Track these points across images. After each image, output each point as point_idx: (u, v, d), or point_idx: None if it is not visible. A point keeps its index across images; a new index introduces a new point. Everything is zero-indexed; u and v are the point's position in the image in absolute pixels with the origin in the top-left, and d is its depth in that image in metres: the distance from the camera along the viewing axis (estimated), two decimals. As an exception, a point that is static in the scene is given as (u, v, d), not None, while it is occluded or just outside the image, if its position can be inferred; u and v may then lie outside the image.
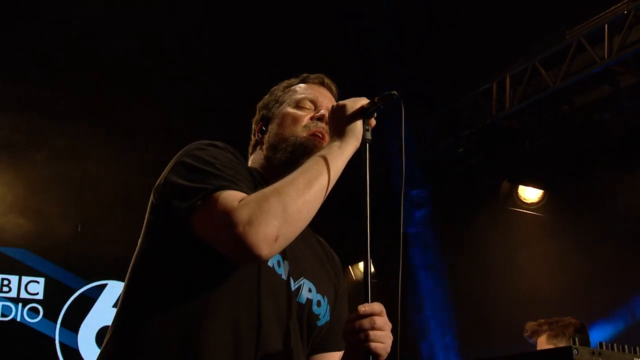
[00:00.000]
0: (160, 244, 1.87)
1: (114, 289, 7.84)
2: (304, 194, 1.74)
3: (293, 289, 1.92)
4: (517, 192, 7.42)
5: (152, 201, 1.91)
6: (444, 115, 7.43)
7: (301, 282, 1.95)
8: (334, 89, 2.18)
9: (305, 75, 2.18)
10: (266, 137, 2.08)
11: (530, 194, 7.42)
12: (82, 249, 7.57)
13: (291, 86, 2.16)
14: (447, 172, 7.59)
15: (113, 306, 7.82)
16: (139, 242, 1.95)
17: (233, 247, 1.69)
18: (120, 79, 6.73)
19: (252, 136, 2.18)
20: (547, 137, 6.66)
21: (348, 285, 2.26)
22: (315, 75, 2.18)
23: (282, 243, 1.72)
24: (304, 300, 1.94)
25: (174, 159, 1.92)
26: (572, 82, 6.09)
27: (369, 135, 1.92)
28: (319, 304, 1.99)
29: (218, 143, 1.93)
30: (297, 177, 1.77)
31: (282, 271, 1.91)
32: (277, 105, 2.12)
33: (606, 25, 5.79)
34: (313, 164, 1.82)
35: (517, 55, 6.76)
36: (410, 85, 6.86)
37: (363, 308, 1.74)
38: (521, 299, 6.86)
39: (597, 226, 6.58)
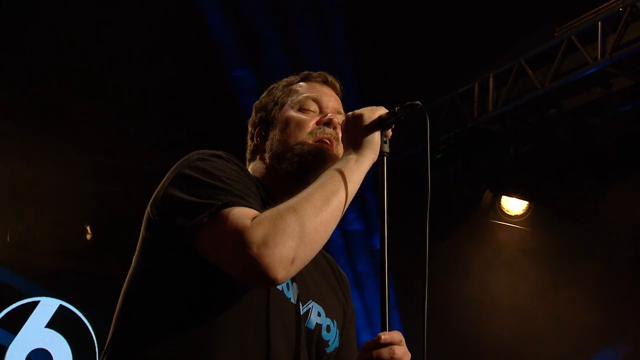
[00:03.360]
0: (160, 263, 1.84)
1: (47, 307, 7.60)
2: (322, 212, 1.73)
3: (302, 313, 1.93)
4: (500, 204, 7.43)
5: (148, 216, 1.88)
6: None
7: (310, 306, 1.96)
8: (338, 86, 2.19)
9: (306, 73, 2.19)
10: (267, 144, 2.08)
11: (514, 206, 7.44)
12: (11, 262, 7.32)
13: (291, 85, 2.16)
14: (422, 181, 7.54)
15: (46, 326, 7.58)
16: (133, 261, 1.92)
17: (245, 269, 1.67)
18: (59, 72, 6.58)
19: (250, 140, 2.17)
20: (533, 144, 6.67)
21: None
22: (317, 73, 2.18)
23: (299, 265, 1.71)
24: (312, 326, 1.96)
25: (172, 170, 1.89)
26: (562, 84, 6.09)
27: (386, 148, 1.94)
28: (328, 329, 2.01)
29: (221, 153, 1.92)
30: (313, 193, 1.76)
31: (291, 294, 1.90)
32: (277, 107, 2.12)
33: (599, 23, 5.80)
34: (329, 179, 1.81)
35: (502, 53, 6.76)
36: (381, 83, 6.81)
37: (383, 336, 1.77)
38: (504, 319, 6.84)
39: (587, 241, 6.61)
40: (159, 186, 1.89)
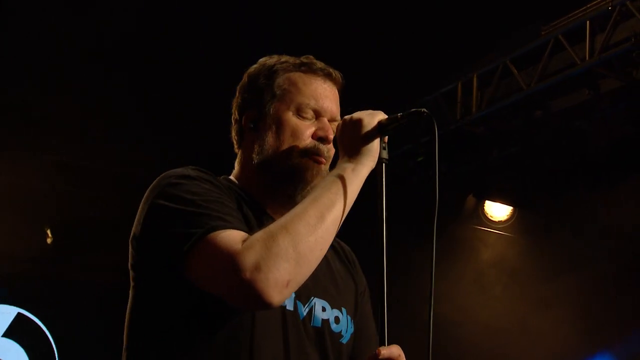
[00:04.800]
0: (153, 301, 1.89)
1: (4, 315, 7.51)
2: (316, 230, 1.73)
3: (305, 314, 1.95)
4: (483, 209, 7.44)
5: (132, 255, 1.92)
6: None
7: (312, 303, 1.97)
8: (340, 80, 2.15)
9: (308, 61, 2.12)
10: (257, 144, 2.05)
11: (497, 211, 7.45)
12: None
13: (291, 71, 2.10)
14: (403, 184, 7.54)
15: (3, 335, 7.49)
16: (129, 300, 1.96)
17: (239, 295, 1.70)
18: (20, 69, 6.52)
19: (237, 114, 2.12)
20: (518, 146, 6.67)
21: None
22: (321, 65, 2.12)
23: (294, 287, 1.73)
24: (319, 323, 1.97)
25: (143, 201, 1.90)
26: (549, 85, 6.10)
27: (385, 154, 1.92)
28: (337, 320, 2.02)
29: (190, 172, 1.91)
30: (306, 209, 1.76)
31: (287, 301, 1.91)
32: (274, 100, 2.06)
33: (588, 22, 5.81)
34: (324, 192, 1.81)
35: (486, 52, 6.77)
36: (359, 83, 6.79)
37: (383, 351, 1.78)
38: (487, 332, 6.83)
39: (574, 249, 6.63)
40: (135, 221, 1.90)
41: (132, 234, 1.92)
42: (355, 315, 2.11)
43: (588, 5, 5.95)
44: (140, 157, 7.20)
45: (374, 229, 1.89)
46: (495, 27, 6.65)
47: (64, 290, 7.38)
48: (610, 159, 6.26)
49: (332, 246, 2.13)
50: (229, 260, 1.68)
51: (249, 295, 1.67)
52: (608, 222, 6.45)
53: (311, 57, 2.15)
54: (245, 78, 2.15)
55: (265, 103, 2.07)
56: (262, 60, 2.17)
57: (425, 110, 1.87)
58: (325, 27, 6.86)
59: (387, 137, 1.94)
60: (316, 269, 1.96)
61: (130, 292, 1.97)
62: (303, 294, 1.94)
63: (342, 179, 1.84)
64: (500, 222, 7.43)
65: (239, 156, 2.12)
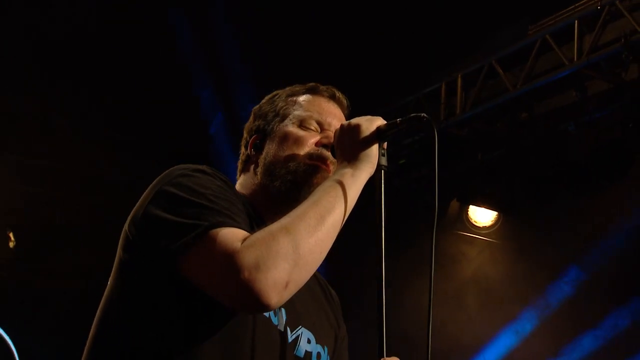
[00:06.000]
0: (139, 287, 1.85)
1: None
2: (316, 232, 1.75)
3: (290, 340, 1.95)
4: (467, 214, 7.44)
5: (126, 236, 1.88)
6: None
7: (299, 332, 1.98)
8: (345, 103, 2.20)
9: (313, 85, 2.19)
10: (261, 158, 2.09)
11: (482, 216, 7.45)
12: None
13: (295, 96, 2.17)
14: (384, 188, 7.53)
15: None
16: (109, 283, 1.92)
17: (236, 295, 1.69)
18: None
19: (243, 147, 2.18)
20: (503, 150, 6.68)
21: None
22: (325, 87, 2.18)
23: (292, 290, 1.73)
24: (302, 354, 1.98)
25: (152, 186, 1.90)
26: (535, 86, 6.12)
27: (384, 161, 1.95)
28: (318, 356, 2.03)
29: (205, 168, 1.93)
30: (307, 211, 1.78)
31: (279, 321, 1.93)
32: (277, 119, 2.12)
33: (576, 22, 5.83)
34: (324, 195, 1.83)
35: (471, 51, 6.78)
36: (339, 83, 6.76)
37: None
38: (471, 345, 6.83)
39: (559, 255, 6.64)
40: (138, 204, 1.89)
41: (131, 215, 1.89)
42: (332, 357, 2.12)
43: (576, 5, 5.97)
44: (106, 158, 7.16)
45: (372, 236, 1.89)
46: (481, 26, 6.66)
47: (27, 296, 7.29)
48: (597, 162, 6.28)
49: (317, 281, 2.20)
50: (228, 258, 1.68)
51: (247, 295, 1.66)
52: (595, 228, 6.48)
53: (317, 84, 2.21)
54: (251, 115, 2.22)
55: (269, 124, 2.13)
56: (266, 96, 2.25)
57: (425, 115, 1.89)
58: (309, 27, 6.86)
59: (386, 143, 1.96)
60: (307, 301, 2.05)
61: (111, 280, 1.92)
62: (292, 320, 1.96)
63: (341, 183, 1.86)
64: (484, 227, 7.44)
65: (240, 178, 2.16)
